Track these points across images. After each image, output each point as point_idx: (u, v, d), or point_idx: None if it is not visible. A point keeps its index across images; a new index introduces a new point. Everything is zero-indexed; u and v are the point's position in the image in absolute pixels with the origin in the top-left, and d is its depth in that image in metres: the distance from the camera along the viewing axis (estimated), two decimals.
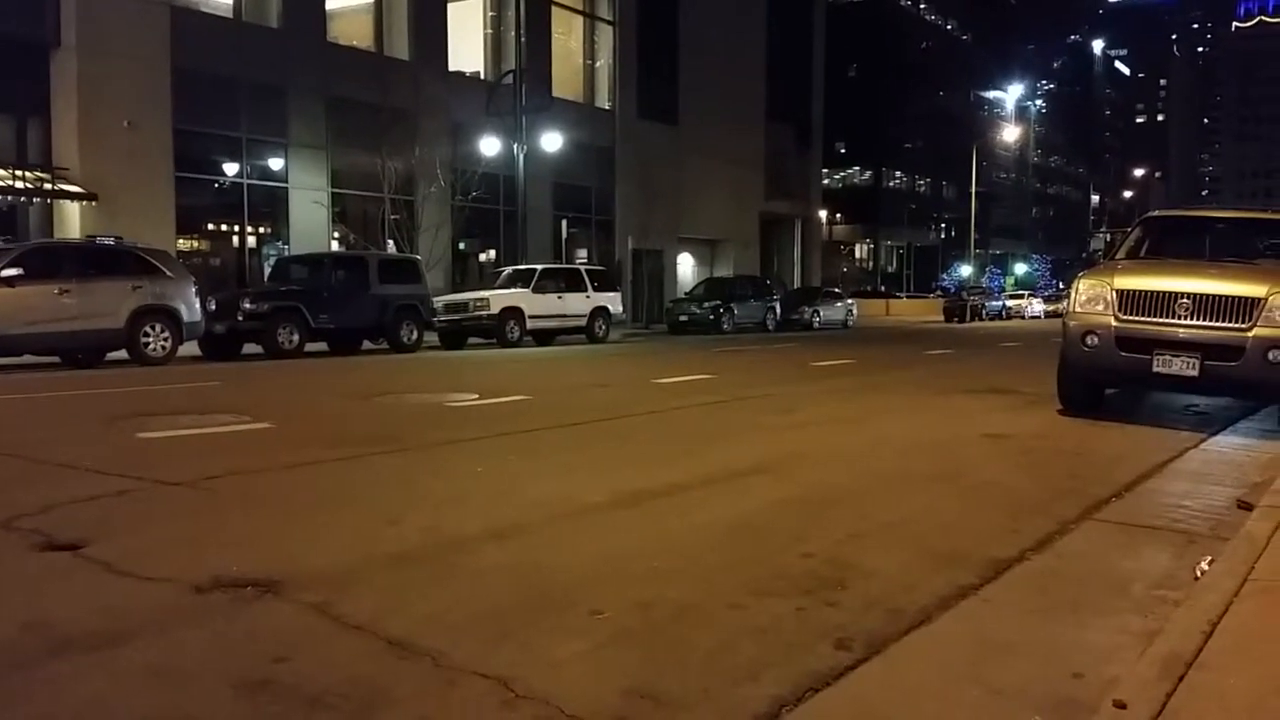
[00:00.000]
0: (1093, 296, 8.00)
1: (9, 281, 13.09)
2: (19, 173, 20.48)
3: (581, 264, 29.45)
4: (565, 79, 33.56)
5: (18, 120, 21.45)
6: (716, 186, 39.31)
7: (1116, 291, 7.80)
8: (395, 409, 9.16)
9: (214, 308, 16.05)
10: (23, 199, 20.75)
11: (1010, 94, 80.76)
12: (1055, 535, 4.27)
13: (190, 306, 15.03)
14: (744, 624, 3.11)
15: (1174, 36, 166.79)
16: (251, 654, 2.77)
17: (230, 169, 24.27)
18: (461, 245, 30.17)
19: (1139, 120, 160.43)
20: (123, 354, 14.42)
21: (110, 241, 15.26)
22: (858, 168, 75.13)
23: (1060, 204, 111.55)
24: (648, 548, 4.07)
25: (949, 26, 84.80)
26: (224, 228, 24.99)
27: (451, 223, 28.32)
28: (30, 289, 13.24)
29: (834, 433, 7.84)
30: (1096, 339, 7.84)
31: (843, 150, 70.83)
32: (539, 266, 23.37)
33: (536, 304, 21.70)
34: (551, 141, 28.26)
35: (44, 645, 2.83)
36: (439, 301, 20.68)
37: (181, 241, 22.97)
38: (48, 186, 20.73)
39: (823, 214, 55.35)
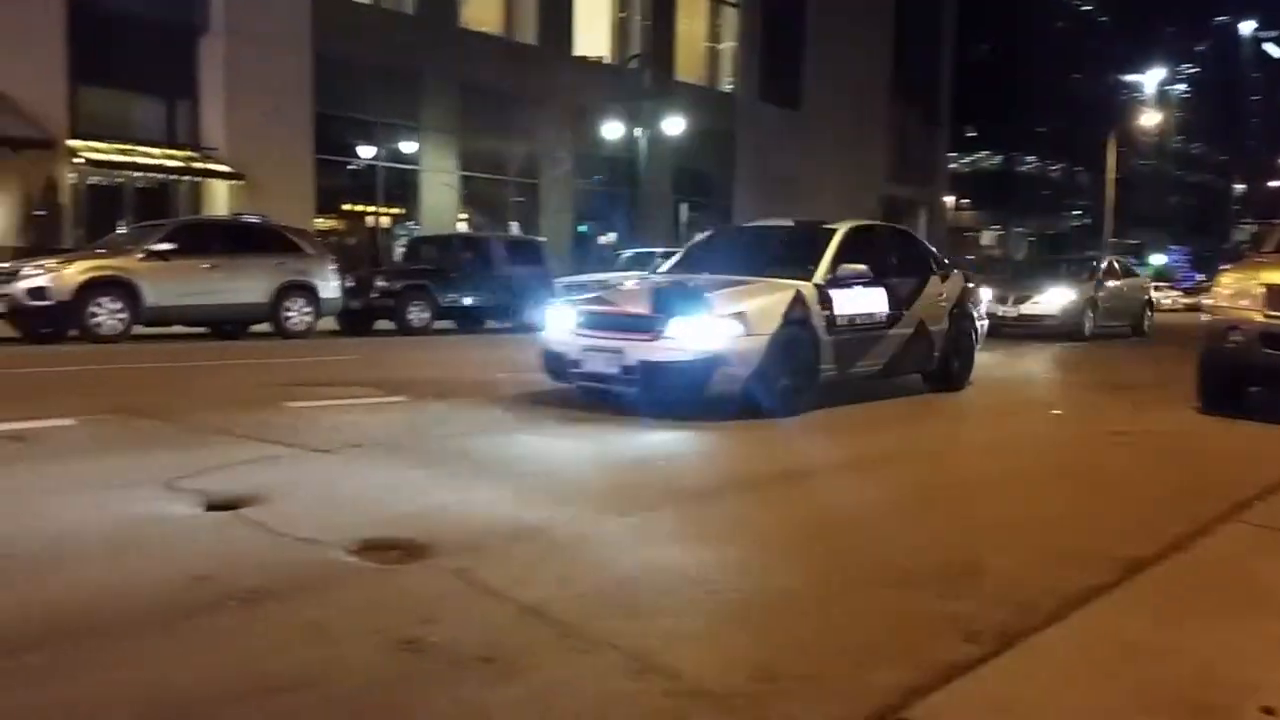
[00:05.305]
0: (1238, 291, 7.67)
1: (163, 255, 13.85)
2: (170, 152, 21.61)
3: None
4: (688, 62, 33.53)
5: (168, 102, 22.59)
6: (838, 170, 38.67)
7: (1265, 287, 7.46)
8: (526, 388, 9.24)
9: (350, 285, 16.66)
10: (173, 178, 21.88)
11: (1150, 78, 76.97)
12: (1193, 536, 4.14)
13: (329, 283, 15.67)
14: (867, 610, 3.14)
15: None
16: (400, 614, 2.93)
17: (365, 152, 25.10)
18: (582, 228, 30.54)
19: None
20: (265, 326, 15.14)
21: (256, 220, 16.02)
22: (987, 151, 72.93)
23: (1202, 193, 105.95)
24: (769, 532, 4.13)
25: (1086, 7, 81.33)
26: (359, 208, 25.89)
27: (573, 205, 28.71)
28: (182, 263, 13.97)
29: (955, 428, 7.71)
30: (1240, 336, 7.51)
31: (972, 134, 68.79)
32: (659, 250, 23.43)
33: None
34: (673, 125, 28.30)
35: (210, 598, 3.04)
36: (560, 283, 20.98)
37: (319, 221, 23.88)
38: (197, 166, 21.81)
39: (949, 199, 53.93)
